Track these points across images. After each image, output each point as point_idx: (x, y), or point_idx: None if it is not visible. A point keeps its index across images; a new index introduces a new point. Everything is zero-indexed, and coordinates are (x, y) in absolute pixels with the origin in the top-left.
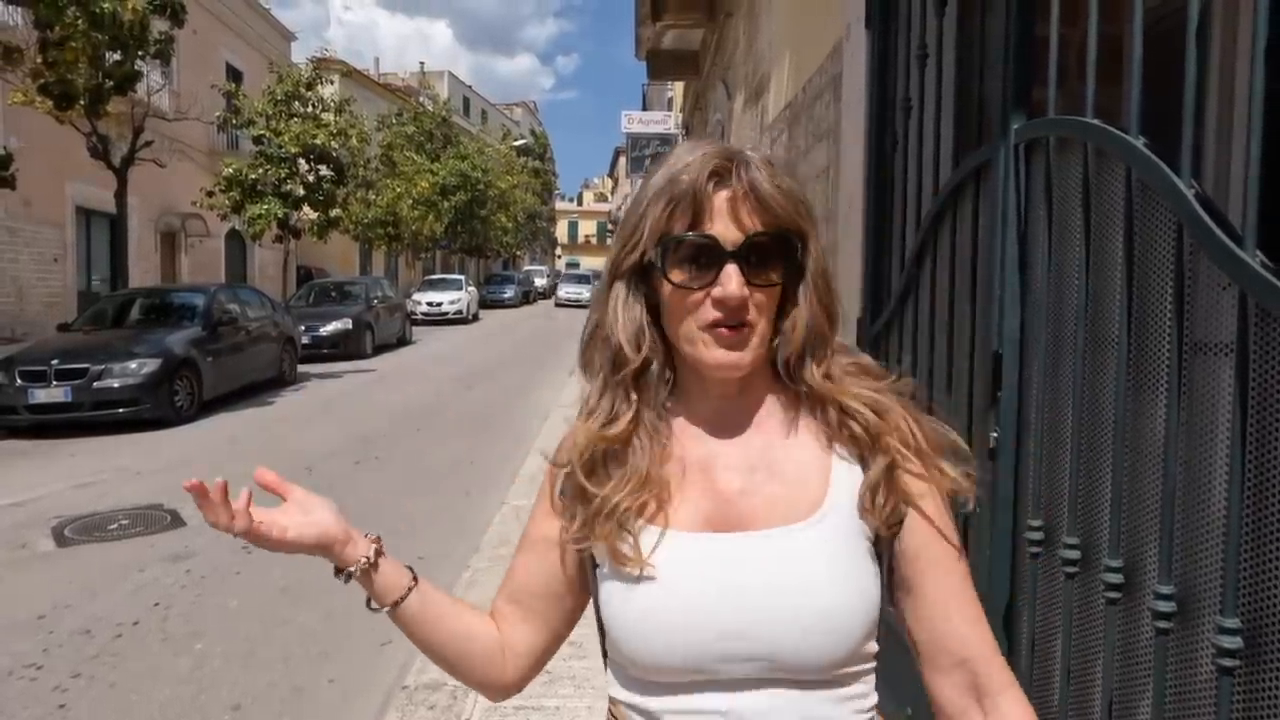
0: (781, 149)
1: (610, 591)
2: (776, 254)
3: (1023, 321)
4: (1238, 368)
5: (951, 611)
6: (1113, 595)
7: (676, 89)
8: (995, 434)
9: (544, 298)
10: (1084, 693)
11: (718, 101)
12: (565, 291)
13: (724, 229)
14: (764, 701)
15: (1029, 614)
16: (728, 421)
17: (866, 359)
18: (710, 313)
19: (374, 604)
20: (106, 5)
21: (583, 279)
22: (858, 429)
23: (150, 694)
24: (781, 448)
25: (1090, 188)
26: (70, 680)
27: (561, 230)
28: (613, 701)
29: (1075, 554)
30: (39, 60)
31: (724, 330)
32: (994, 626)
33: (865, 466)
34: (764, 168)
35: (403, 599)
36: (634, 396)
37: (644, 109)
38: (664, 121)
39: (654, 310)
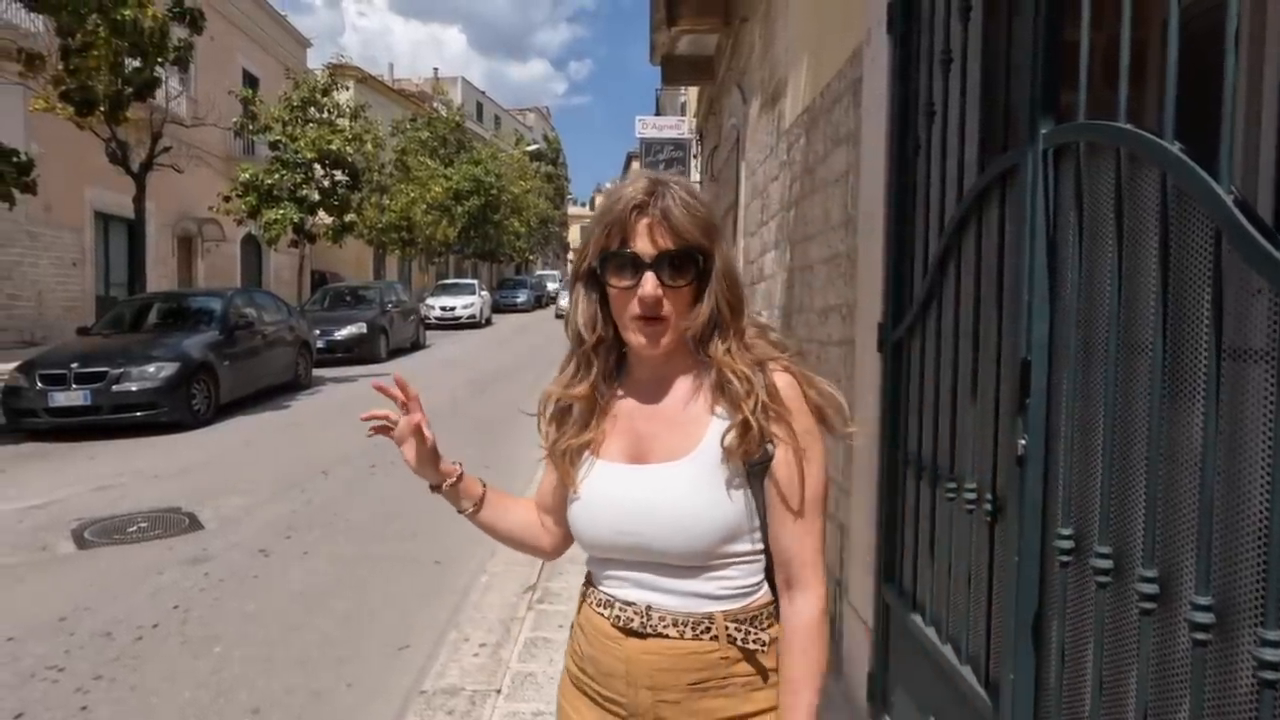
0: (799, 153)
1: (569, 504)
2: (685, 264)
3: (1051, 328)
4: (1279, 374)
5: (781, 529)
6: (1147, 606)
7: (690, 93)
8: (1023, 441)
9: (556, 302)
10: (1117, 705)
11: (732, 106)
12: (567, 299)
13: (644, 246)
14: (649, 575)
15: (1059, 624)
16: (654, 385)
17: (774, 334)
18: (635, 308)
19: (457, 509)
20: (128, 13)
21: None
22: (730, 393)
23: (170, 697)
24: (682, 406)
25: (1123, 193)
26: (92, 682)
27: (574, 235)
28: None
29: (1107, 563)
30: (61, 67)
31: (644, 321)
32: (1022, 635)
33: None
34: (679, 197)
35: (477, 509)
36: (594, 365)
37: (657, 114)
38: (677, 126)
39: (608, 304)
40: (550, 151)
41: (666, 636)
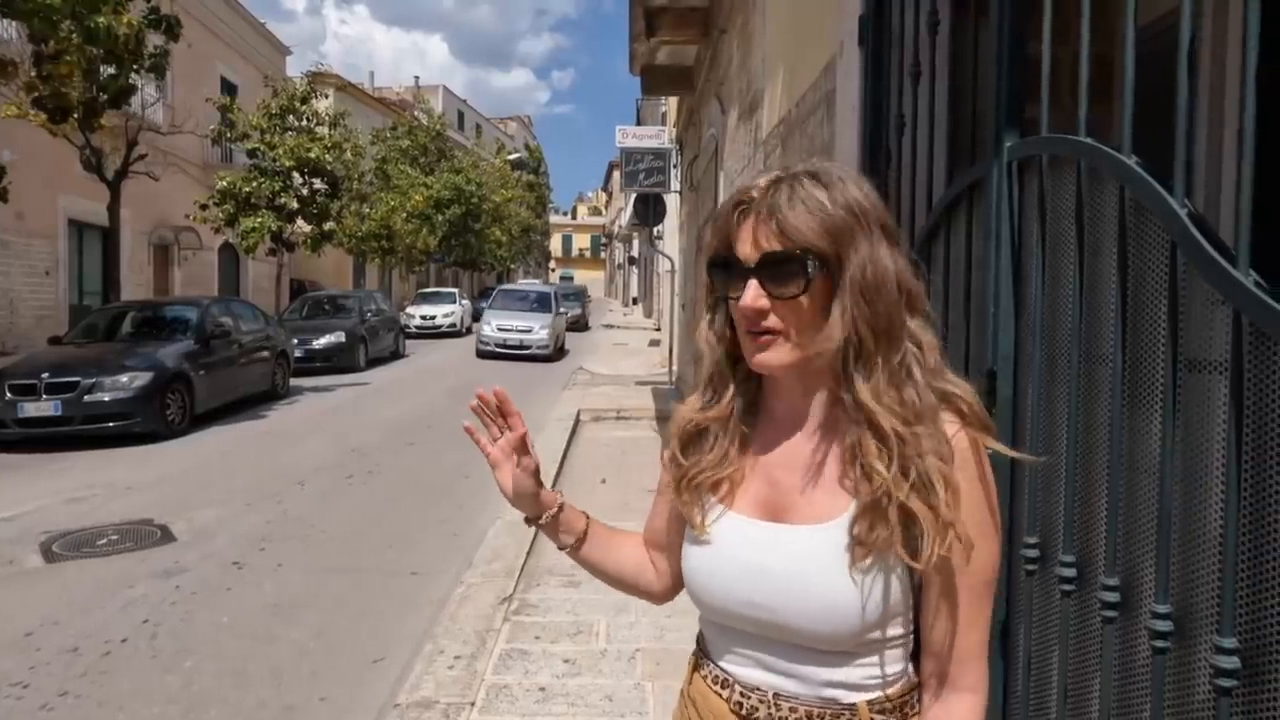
0: (776, 164)
1: (686, 544)
2: (794, 270)
3: (1017, 339)
4: (1232, 385)
5: (938, 616)
6: (1109, 614)
7: (670, 104)
8: (989, 451)
9: (479, 332)
10: (1081, 711)
11: (712, 117)
12: (496, 326)
13: (747, 250)
14: (779, 657)
15: (1025, 632)
16: (793, 422)
17: (955, 391)
18: (742, 320)
19: (556, 545)
20: (101, 20)
21: (540, 302)
22: (867, 455)
23: (139, 713)
24: (828, 454)
25: (1083, 206)
26: (57, 699)
27: (555, 244)
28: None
29: (1071, 572)
30: (33, 74)
31: (751, 336)
32: (990, 644)
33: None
34: (802, 191)
35: (578, 545)
36: (730, 384)
37: (638, 124)
38: (658, 136)
39: None
40: (532, 160)
41: None
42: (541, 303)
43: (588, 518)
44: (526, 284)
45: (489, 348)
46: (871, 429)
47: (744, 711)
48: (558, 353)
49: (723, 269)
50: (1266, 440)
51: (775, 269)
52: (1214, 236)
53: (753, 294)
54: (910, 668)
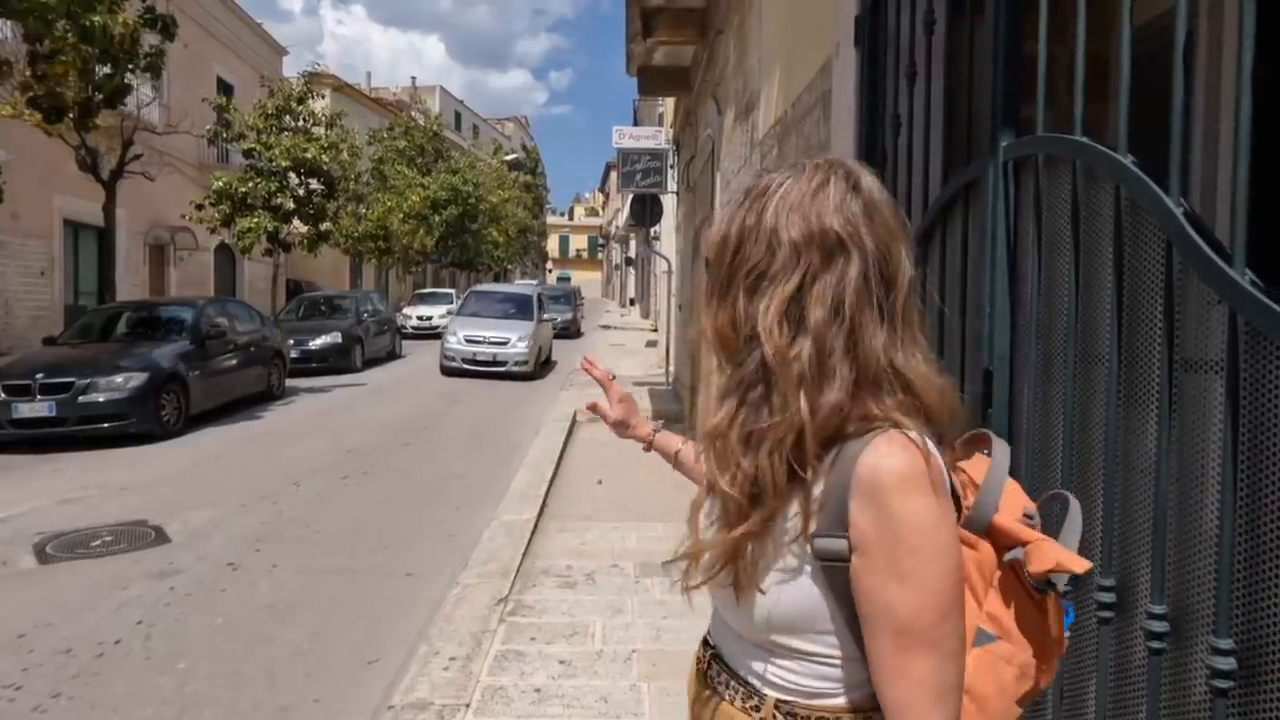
0: (772, 164)
1: None
2: None
3: (1013, 339)
4: (1228, 385)
5: (869, 658)
6: (1105, 615)
7: (667, 104)
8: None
9: (443, 341)
10: (1078, 712)
11: (708, 117)
12: (463, 337)
13: None
14: (731, 635)
15: None
16: None
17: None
18: None
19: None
20: (97, 19)
21: (519, 307)
22: None
23: (132, 714)
24: None
25: (1079, 205)
26: (50, 700)
27: (553, 245)
28: None
29: None
30: (28, 73)
31: None
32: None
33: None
34: (736, 204)
35: (675, 464)
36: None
37: (635, 124)
38: (654, 137)
39: None
40: (529, 161)
41: (721, 696)
42: (521, 308)
43: (683, 442)
44: (522, 284)
45: (455, 364)
46: None
47: (698, 662)
48: (540, 368)
49: None
50: (1262, 440)
51: None
52: (1210, 236)
53: None
54: (842, 698)
